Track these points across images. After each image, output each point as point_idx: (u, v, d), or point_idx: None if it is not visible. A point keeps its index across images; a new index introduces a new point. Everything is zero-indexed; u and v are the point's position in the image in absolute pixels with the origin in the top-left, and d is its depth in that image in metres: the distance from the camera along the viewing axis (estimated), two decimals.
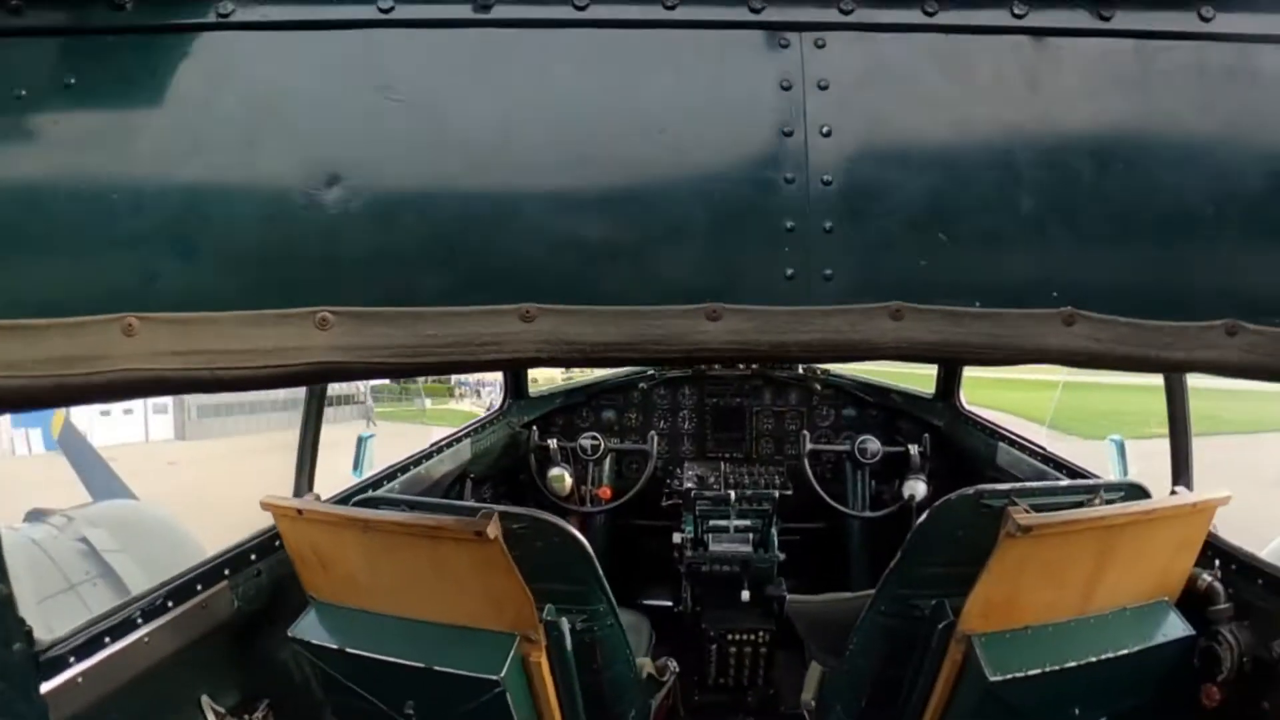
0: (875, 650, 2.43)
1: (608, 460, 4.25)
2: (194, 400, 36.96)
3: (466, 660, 2.02)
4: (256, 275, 0.96)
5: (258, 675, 2.33)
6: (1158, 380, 2.56)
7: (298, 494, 2.66)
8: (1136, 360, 1.02)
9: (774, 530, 3.60)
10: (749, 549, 3.54)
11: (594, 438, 4.11)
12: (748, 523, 3.60)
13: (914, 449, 3.92)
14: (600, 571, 2.29)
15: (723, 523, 3.61)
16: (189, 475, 21.13)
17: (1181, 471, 2.48)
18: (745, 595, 3.48)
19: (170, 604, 2.01)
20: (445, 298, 0.97)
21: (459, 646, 2.08)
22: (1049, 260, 1.02)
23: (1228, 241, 1.01)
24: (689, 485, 3.74)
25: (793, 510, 4.11)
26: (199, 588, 2.12)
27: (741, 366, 4.19)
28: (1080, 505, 2.10)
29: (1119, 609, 2.13)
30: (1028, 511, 1.91)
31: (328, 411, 2.80)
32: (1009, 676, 1.96)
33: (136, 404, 36.12)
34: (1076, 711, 2.11)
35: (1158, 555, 2.12)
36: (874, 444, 4.02)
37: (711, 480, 3.82)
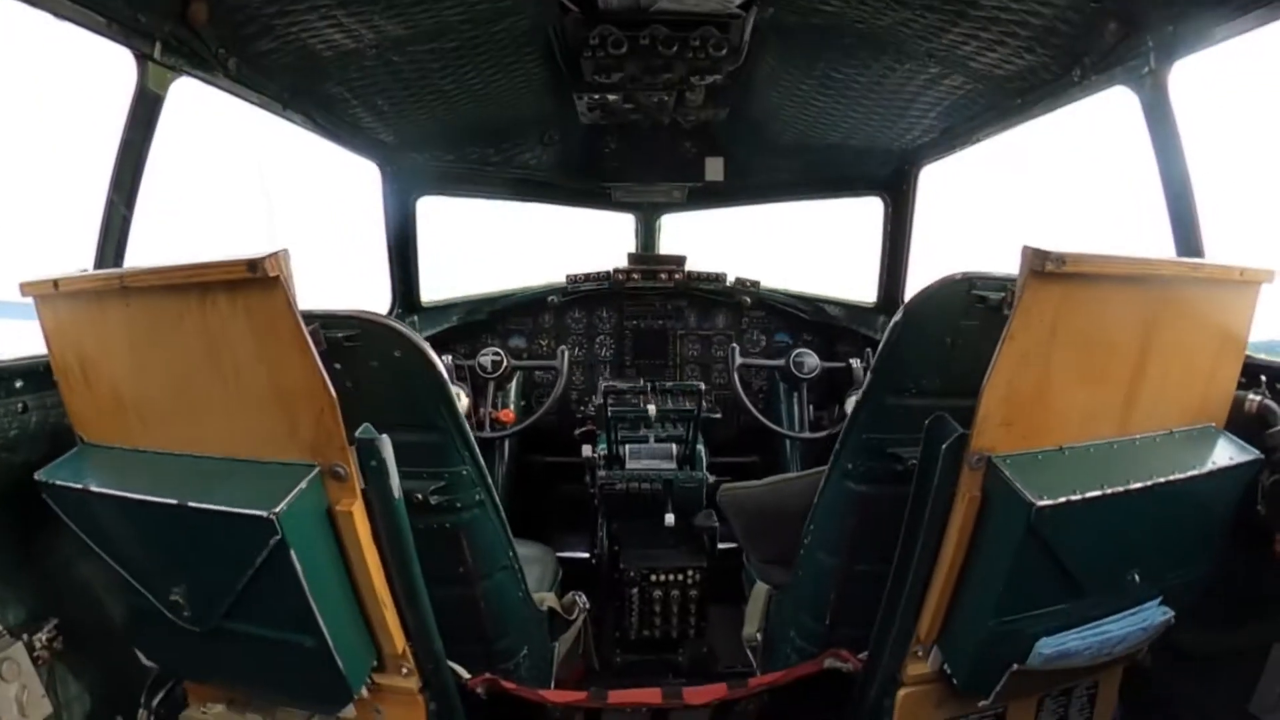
0: (843, 534, 1.77)
1: (514, 384, 3.49)
2: None
3: (236, 495, 1.31)
4: None
5: (42, 584, 1.73)
6: None
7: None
8: None
9: (701, 447, 2.95)
10: (672, 465, 2.87)
11: (496, 354, 3.35)
12: (669, 432, 2.95)
13: (856, 363, 3.35)
14: (461, 416, 1.58)
15: (642, 432, 2.94)
16: None
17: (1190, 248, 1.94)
18: (669, 519, 2.79)
19: None
20: None
21: (234, 481, 1.36)
22: None
23: None
24: (602, 400, 3.06)
25: (722, 443, 3.48)
26: None
27: (663, 276, 3.57)
28: None
29: (1165, 432, 1.56)
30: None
31: None
32: (1060, 501, 1.33)
33: None
34: (1136, 576, 1.51)
35: (1204, 342, 1.59)
36: (811, 359, 3.41)
37: (629, 395, 3.14)
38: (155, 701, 1.87)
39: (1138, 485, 1.41)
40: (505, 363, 3.33)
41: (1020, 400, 1.39)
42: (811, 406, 3.45)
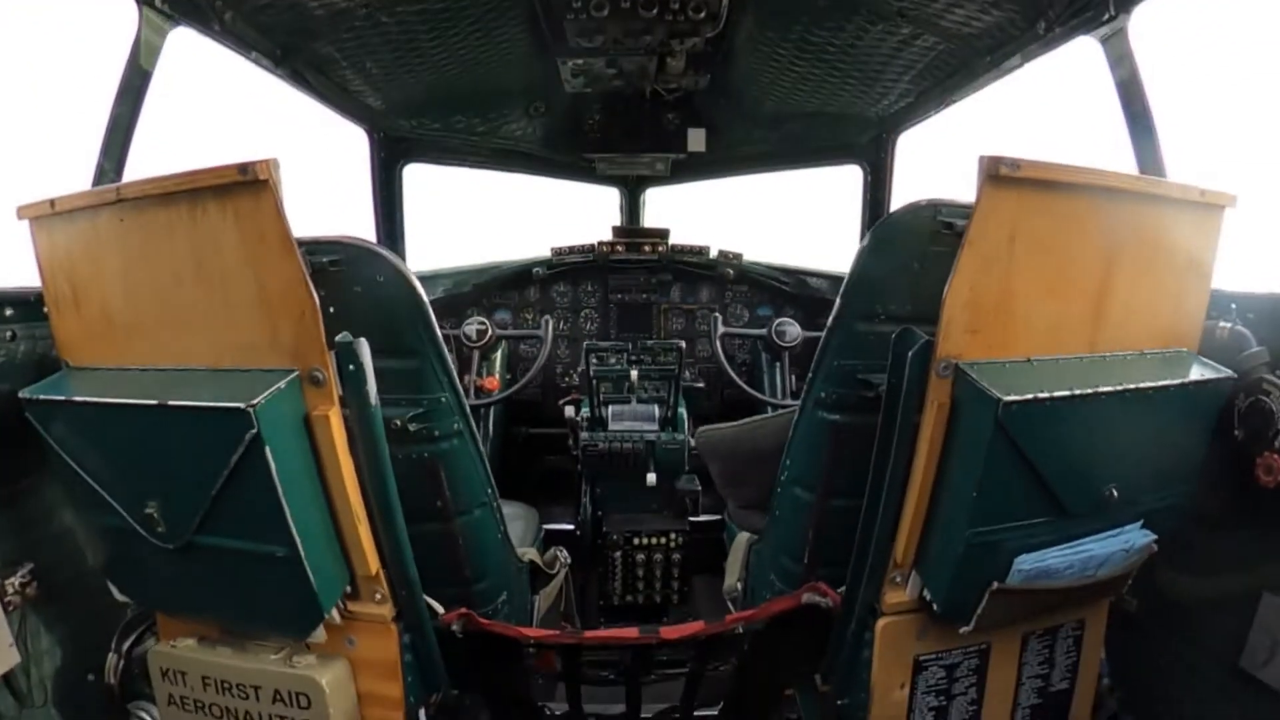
0: (818, 467, 1.72)
1: (499, 356, 3.45)
2: None
3: (214, 395, 1.30)
4: None
5: (20, 527, 1.69)
6: None
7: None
8: None
9: (683, 411, 2.91)
10: (654, 427, 2.83)
11: (481, 323, 3.31)
12: (650, 394, 2.91)
13: None
14: (441, 342, 1.55)
15: (624, 395, 2.91)
16: None
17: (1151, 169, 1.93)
18: (651, 479, 2.74)
19: None
20: None
21: (214, 385, 1.35)
22: None
23: None
24: (585, 363, 3.01)
25: (706, 414, 3.44)
26: None
27: (647, 249, 3.54)
28: None
29: (1136, 352, 1.54)
30: None
31: None
32: (1027, 397, 1.30)
33: None
34: (1114, 491, 1.46)
35: (1170, 264, 1.57)
36: (793, 328, 3.38)
37: (612, 360, 3.10)
38: (126, 645, 1.81)
39: (1108, 389, 1.38)
40: (490, 332, 3.29)
41: (984, 307, 1.37)
42: (794, 376, 3.42)
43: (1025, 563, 1.47)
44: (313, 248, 1.39)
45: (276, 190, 1.26)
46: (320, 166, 3.55)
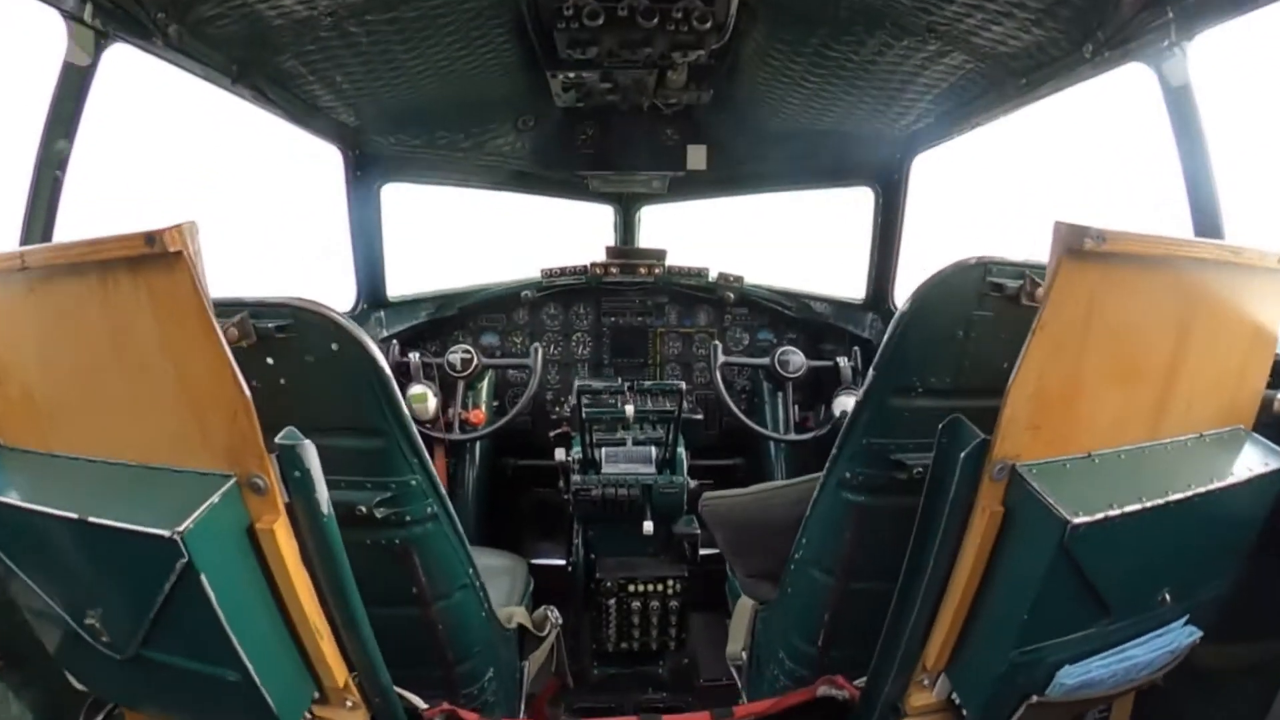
0: (839, 550, 1.57)
1: (485, 383, 3.25)
2: None
3: (140, 510, 1.10)
4: None
5: None
6: None
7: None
8: None
9: (682, 450, 2.74)
10: (651, 470, 2.66)
11: (466, 352, 3.11)
12: (648, 434, 2.74)
13: (844, 362, 3.16)
14: (408, 419, 1.37)
15: (620, 434, 2.73)
16: None
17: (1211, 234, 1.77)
18: (648, 527, 2.59)
19: None
20: None
21: (143, 492, 1.17)
22: None
23: None
24: (576, 401, 2.83)
25: (704, 445, 3.27)
26: None
27: (643, 271, 3.35)
28: None
29: (1194, 435, 1.39)
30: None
31: None
32: (1097, 518, 1.14)
33: None
34: (1167, 595, 1.32)
35: (1238, 335, 1.43)
36: (797, 357, 3.21)
37: (605, 395, 2.92)
38: None
39: (1177, 497, 1.23)
40: (476, 361, 3.09)
41: (1049, 400, 1.20)
42: (797, 407, 3.25)
43: (1069, 676, 1.34)
44: (258, 311, 1.22)
45: (193, 263, 1.05)
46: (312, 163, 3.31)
